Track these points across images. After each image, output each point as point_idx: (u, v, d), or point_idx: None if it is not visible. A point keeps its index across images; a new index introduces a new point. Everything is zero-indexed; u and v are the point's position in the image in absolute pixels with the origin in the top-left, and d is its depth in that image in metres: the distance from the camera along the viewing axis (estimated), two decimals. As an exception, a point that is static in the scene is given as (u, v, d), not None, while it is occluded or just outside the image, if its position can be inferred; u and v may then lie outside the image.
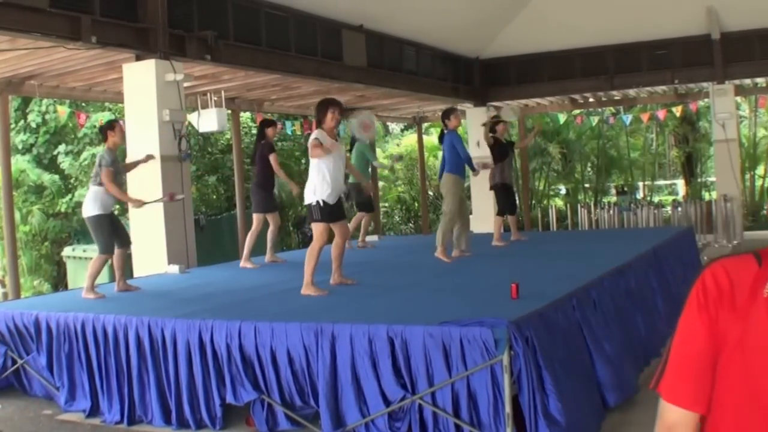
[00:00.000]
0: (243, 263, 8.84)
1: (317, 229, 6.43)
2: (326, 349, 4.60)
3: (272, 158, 8.77)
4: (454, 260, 8.23)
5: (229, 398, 4.97)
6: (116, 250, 7.31)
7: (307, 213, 6.55)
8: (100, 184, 7.05)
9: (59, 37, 8.08)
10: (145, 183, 8.78)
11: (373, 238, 11.75)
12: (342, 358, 4.56)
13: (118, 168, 7.36)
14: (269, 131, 9.12)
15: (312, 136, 6.42)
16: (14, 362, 6.19)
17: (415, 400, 4.36)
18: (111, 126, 7.48)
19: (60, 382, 5.83)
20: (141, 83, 8.96)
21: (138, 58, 9.03)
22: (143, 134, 8.93)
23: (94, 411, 5.58)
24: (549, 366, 4.22)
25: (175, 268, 8.35)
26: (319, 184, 6.31)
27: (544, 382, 4.12)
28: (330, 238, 6.63)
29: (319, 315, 5.08)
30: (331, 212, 6.37)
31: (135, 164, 8.21)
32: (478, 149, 14.22)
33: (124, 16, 8.72)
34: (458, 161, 8.38)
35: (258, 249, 9.37)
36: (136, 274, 8.94)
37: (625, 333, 5.89)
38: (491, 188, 9.90)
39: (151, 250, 8.87)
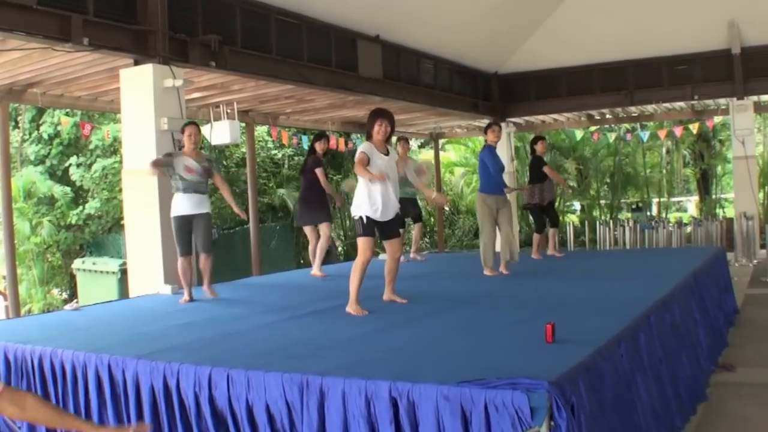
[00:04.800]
0: (313, 272, 8.49)
1: (360, 244, 5.66)
2: (313, 408, 3.37)
3: (318, 172, 8.38)
4: (495, 276, 7.57)
5: (197, 460, 3.75)
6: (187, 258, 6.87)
7: (354, 225, 5.94)
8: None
9: (47, 37, 6.96)
10: (140, 195, 7.70)
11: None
12: (332, 421, 3.31)
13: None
14: (318, 145, 8.60)
15: (359, 149, 5.57)
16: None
17: (423, 480, 3.10)
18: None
19: (19, 422, 4.65)
20: (138, 89, 7.82)
21: (137, 63, 7.89)
22: (140, 143, 7.78)
23: (51, 456, 4.40)
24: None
25: (167, 289, 7.12)
26: (364, 201, 5.59)
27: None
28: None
29: (307, 362, 3.79)
30: (382, 229, 5.71)
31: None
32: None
33: (120, 18, 7.60)
34: (487, 178, 7.84)
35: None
36: (131, 294, 7.79)
37: (672, 378, 4.62)
38: (524, 208, 9.60)
39: (147, 267, 7.70)
